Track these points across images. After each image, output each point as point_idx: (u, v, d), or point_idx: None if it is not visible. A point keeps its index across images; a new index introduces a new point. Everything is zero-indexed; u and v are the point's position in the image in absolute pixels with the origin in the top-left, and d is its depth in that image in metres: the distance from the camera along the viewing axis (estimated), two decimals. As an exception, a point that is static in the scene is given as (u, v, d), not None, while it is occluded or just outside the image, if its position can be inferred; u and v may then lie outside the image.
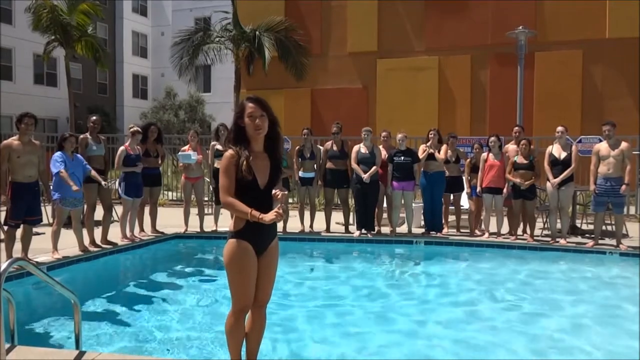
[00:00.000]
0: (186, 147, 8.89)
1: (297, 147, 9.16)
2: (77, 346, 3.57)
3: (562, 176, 8.00)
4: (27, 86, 26.92)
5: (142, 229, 8.35)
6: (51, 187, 6.69)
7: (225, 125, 8.70)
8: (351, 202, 9.11)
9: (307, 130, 8.98)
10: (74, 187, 6.42)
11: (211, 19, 24.08)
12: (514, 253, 7.98)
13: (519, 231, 8.58)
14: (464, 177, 9.11)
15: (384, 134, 9.08)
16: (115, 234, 7.72)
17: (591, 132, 11.55)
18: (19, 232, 6.32)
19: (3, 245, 6.30)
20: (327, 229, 8.98)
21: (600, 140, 8.39)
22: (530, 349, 4.33)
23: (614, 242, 7.92)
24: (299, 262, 7.50)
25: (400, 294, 6.01)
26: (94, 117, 7.74)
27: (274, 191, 2.97)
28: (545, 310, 5.37)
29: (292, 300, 5.54)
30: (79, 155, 6.88)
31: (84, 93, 29.47)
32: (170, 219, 9.46)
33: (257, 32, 15.80)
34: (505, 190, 8.34)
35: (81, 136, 7.56)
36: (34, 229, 6.66)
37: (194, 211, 9.00)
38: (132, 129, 8.02)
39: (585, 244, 8.11)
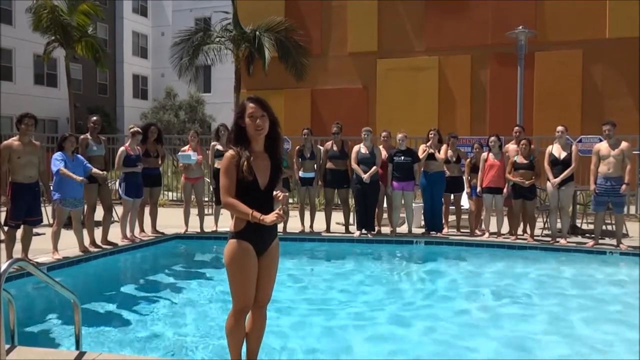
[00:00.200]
0: (186, 148, 8.89)
1: (297, 147, 9.16)
2: (77, 346, 3.57)
3: (562, 176, 8.00)
4: (27, 87, 26.93)
5: (142, 230, 8.34)
6: (51, 188, 6.69)
7: (226, 126, 8.71)
8: (351, 202, 9.11)
9: (307, 130, 8.98)
10: (78, 178, 6.42)
11: (211, 19, 24.11)
12: (514, 253, 7.97)
13: (519, 231, 8.58)
14: (464, 177, 9.11)
15: (384, 134, 9.08)
16: (115, 234, 7.72)
17: (591, 132, 11.54)
18: (19, 233, 6.32)
19: (3, 245, 6.30)
20: (327, 229, 8.98)
21: (601, 140, 8.39)
22: (531, 349, 4.33)
23: (614, 241, 7.92)
24: (299, 262, 7.49)
25: (401, 294, 6.01)
26: (95, 118, 7.74)
27: (274, 192, 2.97)
28: (545, 310, 5.37)
29: (292, 301, 5.54)
30: (79, 156, 6.87)
31: (84, 93, 29.48)
32: (171, 220, 9.46)
33: (257, 33, 15.80)
34: (505, 190, 8.34)
35: (82, 136, 7.56)
36: (34, 230, 6.65)
37: (194, 211, 9.00)
38: (132, 130, 8.02)
39: (585, 243, 8.11)
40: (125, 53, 33.84)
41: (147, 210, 8.43)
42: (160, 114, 27.87)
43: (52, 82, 28.71)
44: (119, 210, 8.34)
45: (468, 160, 9.07)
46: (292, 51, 16.05)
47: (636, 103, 14.59)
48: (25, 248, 6.34)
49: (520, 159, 8.25)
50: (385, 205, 9.01)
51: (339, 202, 9.13)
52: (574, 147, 8.27)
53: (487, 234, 8.58)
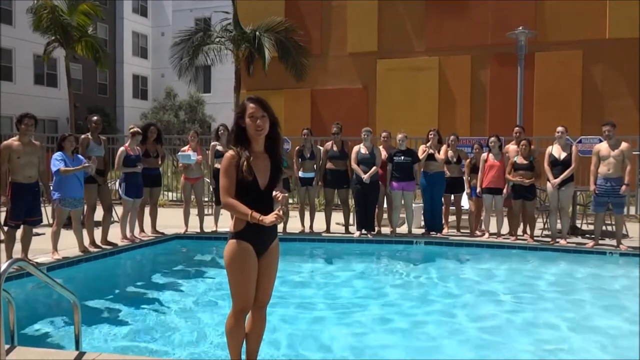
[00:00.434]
0: (186, 148, 8.89)
1: (297, 148, 9.16)
2: (77, 346, 3.57)
3: (562, 176, 8.00)
4: (27, 87, 26.93)
5: (142, 230, 8.34)
6: (51, 188, 6.69)
7: (226, 126, 8.71)
8: (351, 202, 9.11)
9: (307, 130, 8.98)
10: (80, 166, 6.45)
11: (211, 20, 24.10)
12: (514, 253, 7.97)
13: (519, 231, 8.58)
14: (464, 178, 9.10)
15: (384, 134, 9.08)
16: (115, 234, 7.72)
17: (591, 133, 11.54)
18: (19, 233, 6.32)
19: (3, 245, 6.29)
20: (327, 230, 8.98)
21: (601, 141, 8.38)
22: (531, 349, 4.33)
23: (614, 242, 7.92)
24: (299, 262, 7.49)
25: (400, 294, 6.00)
26: (95, 118, 7.71)
27: (274, 193, 2.97)
28: (545, 310, 5.37)
29: (292, 301, 5.53)
30: (79, 156, 6.87)
31: (84, 93, 29.48)
32: (170, 220, 9.45)
33: (257, 33, 15.80)
34: (505, 190, 8.34)
35: (82, 136, 7.55)
36: (34, 230, 6.65)
37: (193, 212, 9.00)
38: (132, 130, 8.01)
39: (585, 244, 8.11)
40: (125, 53, 33.85)
41: (147, 210, 8.42)
42: (160, 114, 27.87)
43: (52, 82, 28.72)
44: (118, 210, 8.34)
45: (468, 160, 9.07)
46: (292, 51, 16.05)
47: (636, 103, 14.60)
48: (25, 248, 6.34)
49: (520, 160, 8.25)
50: (385, 205, 9.01)
51: (339, 203, 9.13)
52: (573, 147, 8.27)
53: (487, 235, 8.58)
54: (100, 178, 7.38)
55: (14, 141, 6.28)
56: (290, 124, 12.86)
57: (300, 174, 8.91)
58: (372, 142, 8.65)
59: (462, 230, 9.19)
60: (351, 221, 9.09)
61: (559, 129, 8.19)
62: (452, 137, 8.95)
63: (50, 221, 8.14)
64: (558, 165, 8.08)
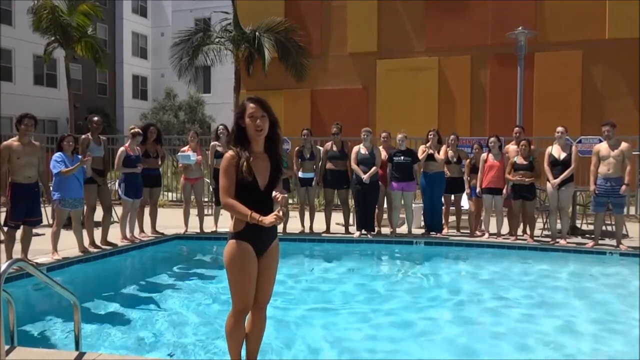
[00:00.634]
0: (186, 148, 8.89)
1: (296, 148, 9.16)
2: (77, 347, 3.57)
3: (562, 177, 8.00)
4: (27, 87, 26.92)
5: (142, 230, 8.34)
6: (51, 188, 6.69)
7: (225, 126, 8.71)
8: (351, 202, 9.11)
9: (306, 130, 8.98)
10: (77, 164, 6.47)
11: (211, 20, 24.09)
12: (514, 253, 7.97)
13: (519, 232, 8.58)
14: (464, 178, 9.10)
15: (383, 134, 9.08)
16: (115, 234, 7.72)
17: (591, 133, 11.53)
18: (18, 233, 6.32)
19: (3, 246, 6.29)
20: (327, 230, 8.98)
21: (600, 141, 8.38)
22: (530, 349, 4.33)
23: (614, 242, 7.92)
24: (299, 263, 7.49)
25: (400, 294, 6.00)
26: (96, 118, 7.70)
27: (274, 193, 2.97)
28: (545, 310, 5.36)
29: (292, 301, 5.54)
30: (79, 156, 6.87)
31: (84, 94, 29.47)
32: (170, 220, 9.45)
33: (257, 33, 15.80)
34: (505, 190, 8.34)
35: (82, 136, 7.55)
36: (34, 230, 6.64)
37: (193, 212, 9.00)
38: (132, 130, 8.01)
39: (585, 244, 8.11)
40: (125, 53, 33.84)
41: (146, 210, 8.42)
42: (160, 114, 27.88)
43: (51, 83, 28.71)
44: (118, 210, 8.34)
45: (468, 160, 9.07)
46: (292, 51, 16.04)
47: (636, 103, 14.60)
48: (25, 248, 6.34)
49: (520, 160, 8.25)
50: (385, 205, 9.01)
51: (339, 203, 9.13)
52: (573, 147, 8.28)
53: (486, 235, 8.58)
54: (99, 178, 7.40)
55: (13, 141, 6.28)
56: (290, 124, 12.85)
57: (300, 174, 8.91)
58: (371, 142, 8.65)
59: (462, 231, 9.19)
60: (351, 221, 9.09)
61: (559, 129, 8.19)
62: (452, 137, 8.96)
63: (50, 221, 8.14)
64: (558, 166, 8.08)
